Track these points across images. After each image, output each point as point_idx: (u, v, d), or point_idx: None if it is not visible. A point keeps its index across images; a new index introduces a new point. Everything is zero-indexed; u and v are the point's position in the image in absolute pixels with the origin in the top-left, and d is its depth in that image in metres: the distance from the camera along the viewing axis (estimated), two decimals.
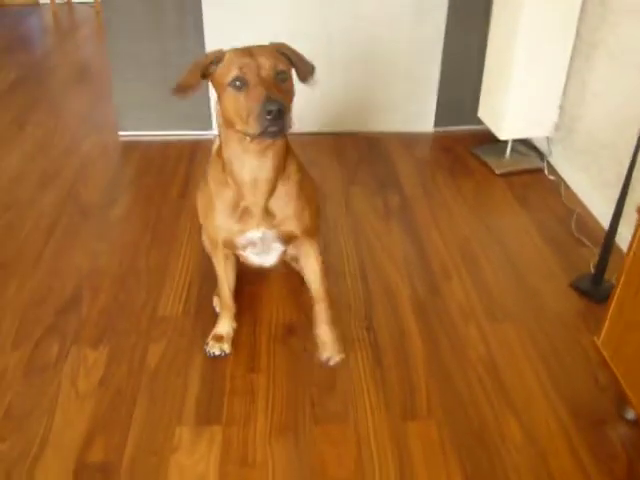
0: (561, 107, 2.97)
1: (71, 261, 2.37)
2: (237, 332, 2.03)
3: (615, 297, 1.74)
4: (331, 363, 1.92)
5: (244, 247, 1.80)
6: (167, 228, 2.57)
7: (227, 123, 1.56)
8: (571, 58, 2.86)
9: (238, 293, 2.07)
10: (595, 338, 1.82)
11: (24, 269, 2.33)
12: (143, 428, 1.72)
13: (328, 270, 2.30)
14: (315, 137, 3.34)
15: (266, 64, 1.47)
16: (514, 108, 2.93)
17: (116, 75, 3.24)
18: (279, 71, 1.49)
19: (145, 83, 3.24)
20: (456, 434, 1.72)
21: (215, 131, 3.34)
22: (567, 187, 2.92)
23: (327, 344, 1.94)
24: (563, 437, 1.72)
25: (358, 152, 3.23)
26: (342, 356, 1.93)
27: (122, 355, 1.95)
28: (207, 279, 2.25)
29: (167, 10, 3.10)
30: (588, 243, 2.51)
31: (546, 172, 3.03)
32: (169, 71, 3.20)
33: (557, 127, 3.02)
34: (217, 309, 2.10)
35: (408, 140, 3.37)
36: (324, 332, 1.95)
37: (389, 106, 3.41)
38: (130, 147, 3.27)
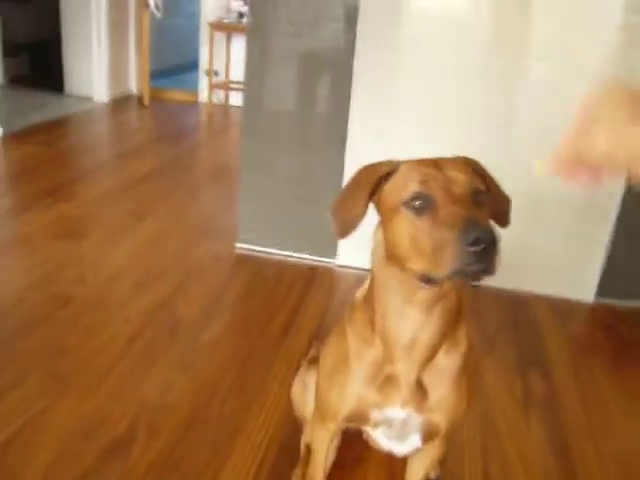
0: None
1: (140, 387, 2.01)
2: None
3: None
4: None
5: (377, 425, 1.31)
6: (257, 368, 2.16)
7: (393, 259, 1.11)
8: None
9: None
10: None
11: (86, 386, 1.99)
12: None
13: (443, 468, 1.80)
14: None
15: (459, 179, 1.03)
16: None
17: (245, 184, 3.00)
18: (477, 191, 1.04)
19: (273, 196, 2.98)
20: None
21: (338, 261, 2.98)
22: None
23: None
24: None
25: (499, 314, 2.73)
26: None
27: None
28: (289, 449, 1.79)
29: (311, 127, 2.85)
30: None
31: None
32: (301, 188, 2.94)
33: None
34: None
35: (562, 308, 2.82)
36: None
37: (542, 264, 2.90)
38: (244, 261, 2.97)
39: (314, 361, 1.66)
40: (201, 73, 6.14)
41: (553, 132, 1.06)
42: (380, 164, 1.13)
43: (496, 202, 1.16)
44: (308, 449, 1.69)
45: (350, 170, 2.70)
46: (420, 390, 1.22)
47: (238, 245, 3.06)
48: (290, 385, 1.78)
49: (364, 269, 2.93)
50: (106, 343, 2.22)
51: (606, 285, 2.88)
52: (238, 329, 2.41)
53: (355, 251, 2.96)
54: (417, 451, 1.41)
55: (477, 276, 0.98)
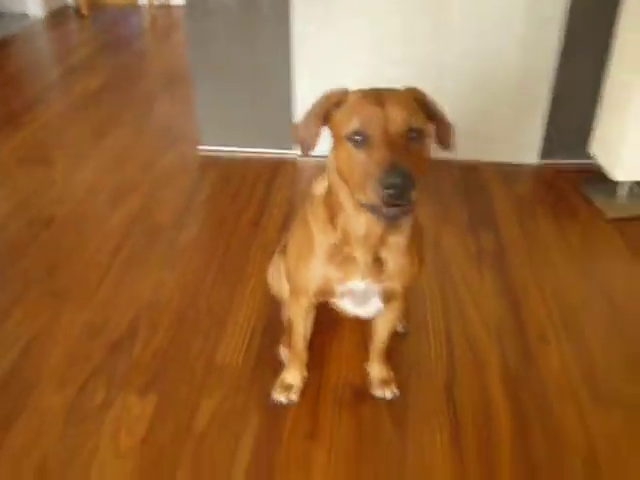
0: None
1: (132, 290, 2.22)
2: (300, 393, 1.81)
3: None
4: (386, 397, 1.81)
5: (342, 296, 1.55)
6: (235, 260, 2.37)
7: (340, 177, 1.32)
8: None
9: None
10: None
11: (82, 297, 2.19)
12: None
13: (408, 318, 2.07)
14: None
15: (397, 117, 1.19)
16: (634, 145, 2.57)
17: (198, 87, 3.09)
18: (413, 129, 1.20)
19: (227, 97, 3.08)
20: None
21: (297, 152, 3.14)
22: None
23: (379, 382, 1.83)
24: None
25: (453, 181, 2.95)
26: (396, 392, 1.81)
27: (170, 409, 1.76)
28: (273, 324, 2.04)
29: (254, 21, 2.92)
30: None
31: None
32: (254, 84, 3.04)
33: None
34: (284, 360, 1.89)
35: (509, 172, 3.05)
36: (378, 371, 1.84)
37: (491, 134, 3.10)
38: (209, 163, 3.11)
39: (284, 250, 1.89)
40: None
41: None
42: (333, 93, 1.30)
43: (439, 128, 1.33)
44: (290, 322, 1.94)
45: (299, 61, 2.83)
46: (377, 264, 1.45)
47: (201, 148, 3.20)
48: (266, 271, 2.00)
49: (323, 156, 3.09)
50: (93, 255, 2.40)
51: (547, 147, 3.10)
52: (212, 227, 2.61)
53: None
54: (380, 312, 1.66)
55: (394, 217, 1.21)
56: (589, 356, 1.97)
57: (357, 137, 1.20)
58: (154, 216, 2.66)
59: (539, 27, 2.83)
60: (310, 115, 1.32)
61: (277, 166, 3.08)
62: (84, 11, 5.71)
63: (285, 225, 2.53)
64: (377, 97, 1.22)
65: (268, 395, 1.79)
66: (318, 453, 1.64)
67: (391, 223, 1.33)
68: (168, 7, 6.00)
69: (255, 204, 2.75)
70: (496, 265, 2.38)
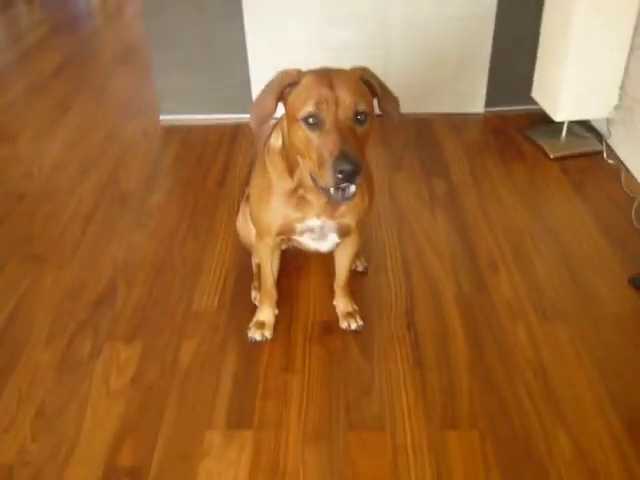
0: (622, 86, 2.77)
1: (107, 252, 2.34)
2: (274, 323, 1.98)
3: None
4: (352, 328, 1.96)
5: (302, 233, 1.72)
6: (204, 218, 2.51)
7: (295, 151, 1.47)
8: (633, 34, 2.65)
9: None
10: None
11: (61, 261, 2.30)
12: (173, 431, 1.67)
13: (369, 262, 2.23)
14: None
15: (346, 100, 1.34)
16: (571, 87, 2.75)
17: (156, 58, 3.18)
18: (359, 112, 1.36)
19: (184, 65, 3.18)
20: (500, 446, 1.61)
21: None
22: (628, 172, 2.73)
23: (345, 315, 1.98)
24: (617, 453, 1.59)
25: (404, 135, 3.10)
26: (360, 323, 1.96)
27: (155, 352, 1.91)
28: (243, 272, 2.19)
29: None
30: None
31: (605, 156, 2.85)
32: (209, 52, 3.13)
33: (617, 107, 2.82)
34: (256, 302, 2.04)
35: (457, 122, 3.22)
36: (343, 305, 1.99)
37: (438, 87, 3.25)
38: (171, 131, 3.22)
39: (249, 197, 2.03)
40: None
41: None
42: (287, 74, 1.42)
43: (387, 103, 1.49)
44: (259, 266, 2.09)
45: (251, 27, 2.94)
46: (330, 206, 1.60)
47: (162, 117, 3.30)
48: (234, 224, 2.14)
49: (280, 118, 3.21)
50: (67, 224, 2.50)
51: (492, 96, 3.27)
52: (180, 190, 2.73)
53: None
54: (338, 246, 1.82)
55: (342, 199, 1.40)
56: (535, 280, 2.15)
57: (311, 119, 1.35)
58: (122, 183, 2.77)
59: None
60: (266, 93, 1.46)
61: (236, 129, 3.20)
62: None
63: (247, 182, 2.66)
64: (328, 79, 1.37)
65: (244, 334, 1.94)
66: (293, 382, 1.80)
67: (336, 202, 1.48)
68: None
69: (218, 166, 2.88)
70: (448, 207, 2.55)
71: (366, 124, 1.39)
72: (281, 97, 1.44)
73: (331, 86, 1.35)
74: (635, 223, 2.41)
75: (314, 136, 1.35)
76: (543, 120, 2.99)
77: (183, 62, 3.17)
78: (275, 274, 1.92)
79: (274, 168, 1.63)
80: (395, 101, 1.52)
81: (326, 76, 1.37)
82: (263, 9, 3.03)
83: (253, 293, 2.07)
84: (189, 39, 3.12)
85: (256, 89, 3.17)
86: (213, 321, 2.01)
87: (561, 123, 2.92)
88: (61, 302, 2.11)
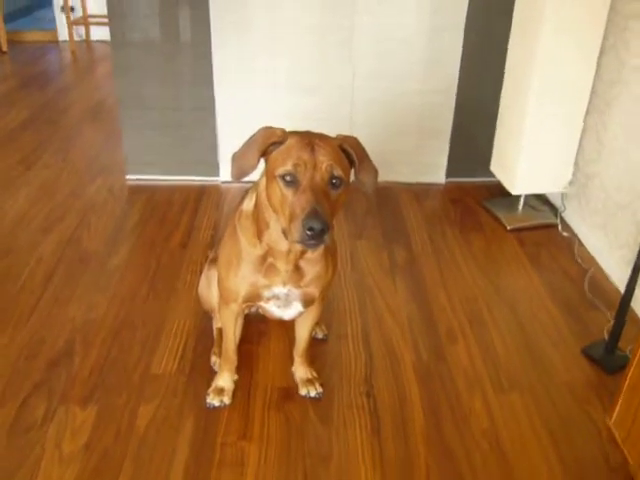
0: (576, 163, 2.90)
1: (66, 312, 2.31)
2: (231, 395, 1.96)
3: (629, 375, 1.65)
4: (311, 395, 1.97)
5: (268, 300, 1.74)
6: (166, 279, 2.50)
7: (269, 205, 1.52)
8: (586, 113, 2.80)
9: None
10: (607, 418, 1.72)
11: (18, 319, 2.27)
12: None
13: (329, 328, 2.25)
14: None
15: (323, 164, 1.41)
16: (527, 163, 2.87)
17: (124, 118, 3.22)
18: (334, 176, 1.42)
19: (153, 127, 3.22)
20: None
21: (221, 177, 3.31)
22: (581, 245, 2.83)
23: (304, 382, 1.99)
24: None
25: (366, 203, 3.17)
26: (320, 390, 1.98)
27: (111, 416, 1.88)
28: (203, 336, 2.19)
29: (178, 54, 3.09)
30: (602, 306, 2.41)
31: (559, 228, 2.95)
32: (178, 115, 3.19)
33: (572, 183, 2.95)
34: (215, 368, 2.04)
35: (418, 191, 3.31)
36: (303, 372, 2.01)
37: (400, 157, 3.35)
38: (136, 191, 3.23)
39: (214, 261, 2.05)
40: (57, 10, 6.03)
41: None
42: (273, 132, 1.47)
43: (365, 173, 1.55)
44: (220, 332, 2.09)
45: (220, 94, 3.01)
46: (296, 272, 1.65)
47: (128, 177, 3.31)
48: (196, 286, 2.15)
49: (246, 182, 3.26)
50: (26, 282, 2.48)
51: (453, 167, 3.38)
52: (142, 250, 2.72)
53: None
54: (301, 315, 1.85)
55: (312, 246, 1.47)
56: (491, 350, 2.20)
57: (288, 177, 1.41)
58: (85, 242, 2.76)
59: (440, 50, 3.10)
60: (251, 148, 1.50)
61: (202, 191, 3.24)
62: (3, 47, 5.72)
63: (211, 245, 2.69)
64: (310, 143, 1.42)
65: (202, 399, 1.93)
66: (251, 451, 1.79)
67: (308, 249, 1.56)
68: (88, 43, 6.08)
69: (182, 227, 2.89)
70: (408, 275, 2.60)
71: (340, 189, 1.45)
72: (264, 153, 1.49)
73: (312, 150, 1.41)
74: (588, 294, 2.49)
75: (289, 193, 1.41)
76: (501, 192, 3.10)
77: (151, 123, 3.22)
78: (237, 340, 1.92)
79: (244, 233, 1.66)
80: (373, 172, 1.58)
81: (308, 140, 1.43)
82: (233, 75, 3.11)
83: (213, 358, 2.07)
84: (158, 101, 3.18)
85: (223, 152, 3.23)
86: (171, 385, 1.99)
87: (518, 196, 3.03)
88: (16, 361, 2.07)
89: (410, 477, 1.72)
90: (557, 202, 3.11)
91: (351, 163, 1.52)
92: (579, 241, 2.86)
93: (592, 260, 2.73)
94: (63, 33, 6.04)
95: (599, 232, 2.74)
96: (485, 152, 3.19)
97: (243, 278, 1.69)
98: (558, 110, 2.76)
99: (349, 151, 1.51)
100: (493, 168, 3.13)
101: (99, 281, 2.50)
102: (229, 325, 1.87)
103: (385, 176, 3.35)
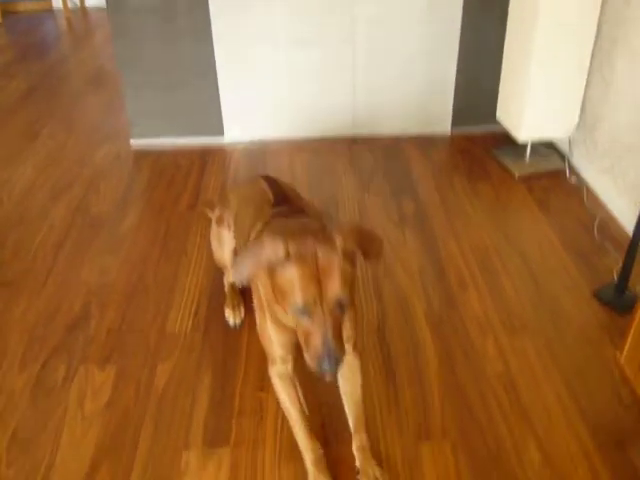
0: (582, 106, 2.87)
1: (80, 276, 2.34)
2: (248, 343, 2.00)
3: (638, 311, 1.66)
4: None
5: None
6: (176, 241, 2.52)
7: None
8: (592, 55, 2.76)
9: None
10: (617, 354, 1.74)
11: (33, 286, 2.30)
12: (150, 452, 1.68)
13: None
14: (330, 142, 3.28)
15: (331, 295, 1.34)
16: (533, 108, 2.84)
17: (126, 82, 3.20)
18: (342, 301, 1.37)
19: (155, 90, 3.21)
20: (471, 456, 1.65)
21: (225, 139, 3.30)
22: (589, 190, 2.82)
23: (367, 473, 1.60)
24: (583, 458, 1.64)
25: (374, 158, 3.16)
26: None
27: (130, 375, 1.91)
28: (216, 293, 2.21)
29: (176, 15, 3.06)
30: (611, 249, 2.42)
31: (567, 174, 2.94)
32: (179, 76, 3.17)
33: (578, 127, 2.92)
34: (230, 321, 2.07)
35: (425, 143, 3.29)
36: (365, 462, 1.62)
37: (405, 109, 3.33)
38: (142, 156, 3.23)
39: (220, 219, 2.07)
40: None
41: None
42: (276, 252, 1.35)
43: (369, 254, 1.44)
44: (231, 286, 2.13)
45: (220, 51, 2.98)
46: None
47: (133, 142, 3.31)
48: (206, 247, 2.18)
49: (250, 142, 3.27)
50: (39, 249, 2.50)
51: (459, 117, 3.35)
52: (151, 213, 2.74)
53: (239, 129, 3.29)
54: (344, 383, 1.73)
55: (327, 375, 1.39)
56: (503, 296, 2.21)
57: (298, 310, 1.36)
58: (94, 208, 2.77)
59: None
60: (252, 262, 1.41)
61: (207, 153, 3.23)
62: None
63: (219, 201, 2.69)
64: (316, 275, 1.34)
65: (219, 354, 1.96)
66: (269, 400, 1.82)
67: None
68: (83, 10, 6.02)
69: (190, 189, 2.90)
70: (417, 227, 2.60)
71: (347, 308, 1.42)
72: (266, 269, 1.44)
73: (318, 282, 1.35)
74: (597, 238, 2.49)
75: (302, 320, 1.38)
76: (509, 140, 3.07)
77: (153, 85, 3.20)
78: (305, 413, 1.69)
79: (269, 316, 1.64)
80: (377, 244, 1.50)
81: (313, 268, 1.35)
82: (231, 30, 3.08)
83: (227, 312, 2.09)
84: (158, 63, 3.15)
85: (226, 112, 3.22)
86: (187, 342, 2.03)
87: (526, 143, 3.01)
88: (34, 327, 2.11)
89: (425, 419, 1.76)
90: (565, 148, 3.08)
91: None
92: (587, 186, 2.84)
93: (601, 204, 2.72)
94: (57, 1, 5.97)
95: (607, 176, 2.72)
96: (491, 100, 3.15)
97: (274, 336, 1.65)
98: (563, 53, 2.72)
99: (353, 250, 1.41)
100: (499, 116, 3.10)
101: (111, 245, 2.52)
102: (283, 397, 1.67)
103: (391, 130, 3.39)
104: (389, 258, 2.41)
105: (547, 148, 3.12)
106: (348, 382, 1.72)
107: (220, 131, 3.29)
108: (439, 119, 3.36)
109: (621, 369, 1.72)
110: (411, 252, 2.45)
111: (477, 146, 3.24)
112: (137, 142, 3.31)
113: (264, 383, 1.87)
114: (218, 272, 2.22)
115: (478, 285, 2.27)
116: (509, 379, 1.88)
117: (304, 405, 1.66)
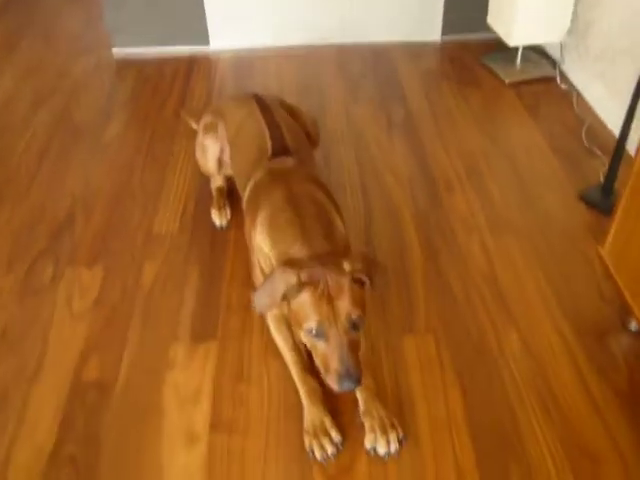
0: (574, 10, 2.80)
1: (64, 184, 2.32)
2: (234, 242, 2.01)
3: (621, 203, 1.66)
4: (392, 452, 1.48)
5: None
6: (162, 147, 2.50)
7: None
8: None
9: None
10: (599, 247, 1.75)
11: (17, 193, 2.28)
12: (138, 346, 1.71)
13: (328, 183, 2.25)
14: (318, 49, 3.21)
15: (343, 314, 1.40)
16: (524, 12, 2.76)
17: None
18: (355, 321, 1.41)
19: None
20: (454, 347, 1.69)
21: (211, 47, 3.22)
22: (580, 96, 2.78)
23: (375, 435, 1.49)
24: (563, 349, 1.68)
25: (362, 64, 3.10)
26: (396, 446, 1.47)
27: (117, 274, 1.93)
28: (203, 196, 2.21)
29: None
30: (599, 153, 2.41)
31: (558, 81, 2.89)
32: None
33: (570, 32, 2.86)
34: (216, 222, 2.08)
35: (414, 50, 3.22)
36: (375, 412, 1.53)
37: (395, 16, 3.24)
38: (125, 65, 3.16)
39: (207, 127, 2.06)
40: None
41: None
42: (289, 281, 1.41)
43: (374, 268, 1.49)
44: (218, 189, 2.12)
45: None
46: None
47: (115, 50, 3.22)
48: (192, 151, 2.16)
49: (236, 49, 3.20)
50: (22, 157, 2.47)
51: (448, 24, 3.27)
52: (136, 122, 2.69)
53: (225, 37, 3.21)
54: None
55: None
56: (489, 198, 2.21)
57: (314, 332, 1.41)
58: (77, 117, 2.73)
59: None
60: (269, 294, 1.46)
61: (192, 61, 3.16)
62: None
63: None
64: (328, 299, 1.40)
65: (206, 254, 1.97)
66: None
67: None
68: None
69: (175, 97, 2.85)
70: (406, 133, 2.58)
71: (361, 326, 1.44)
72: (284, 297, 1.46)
73: (329, 302, 1.40)
74: (585, 142, 2.48)
75: (318, 344, 1.42)
76: (500, 48, 3.01)
77: None
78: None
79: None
80: (381, 271, 1.55)
81: (324, 291, 1.41)
82: None
83: (213, 213, 2.10)
84: None
85: (211, 19, 3.12)
86: (175, 243, 2.03)
87: (516, 49, 2.95)
88: (19, 233, 2.10)
89: (410, 312, 1.79)
90: (556, 54, 3.03)
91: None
92: (578, 92, 2.81)
93: (590, 110, 2.69)
94: None
95: (598, 81, 2.68)
96: (482, 5, 3.07)
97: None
98: None
99: (361, 278, 1.45)
100: (490, 21, 3.03)
101: (95, 152, 2.49)
102: (278, 338, 1.68)
103: (380, 36, 3.30)
104: (376, 162, 2.39)
105: (538, 54, 3.06)
106: None
107: (205, 40, 3.20)
108: (429, 26, 3.28)
109: (603, 262, 1.73)
110: (398, 157, 2.43)
111: (467, 53, 3.18)
112: (120, 51, 3.22)
113: (250, 280, 1.88)
114: (204, 177, 2.20)
115: (465, 188, 2.26)
116: (493, 276, 1.90)
117: (301, 344, 1.62)
